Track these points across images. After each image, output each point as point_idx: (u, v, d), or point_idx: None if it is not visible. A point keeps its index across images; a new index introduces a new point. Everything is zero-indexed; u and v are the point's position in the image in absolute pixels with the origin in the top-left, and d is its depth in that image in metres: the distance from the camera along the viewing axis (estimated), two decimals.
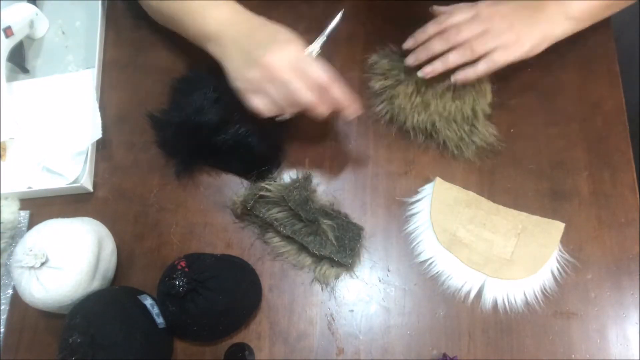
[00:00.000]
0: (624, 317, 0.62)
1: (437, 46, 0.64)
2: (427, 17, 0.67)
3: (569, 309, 0.62)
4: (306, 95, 0.58)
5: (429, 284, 0.64)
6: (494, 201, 0.66)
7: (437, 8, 0.68)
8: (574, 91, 0.72)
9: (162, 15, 0.69)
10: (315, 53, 0.64)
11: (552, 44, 0.65)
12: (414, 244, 0.66)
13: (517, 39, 0.63)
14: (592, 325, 0.62)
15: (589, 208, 0.66)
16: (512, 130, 0.70)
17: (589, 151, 0.69)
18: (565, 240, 0.65)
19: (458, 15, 0.65)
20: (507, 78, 0.72)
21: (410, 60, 0.67)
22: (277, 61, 0.58)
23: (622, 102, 0.71)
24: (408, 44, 0.68)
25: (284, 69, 0.58)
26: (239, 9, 0.63)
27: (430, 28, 0.66)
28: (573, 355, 0.61)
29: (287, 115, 0.61)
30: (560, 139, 0.70)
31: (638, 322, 0.62)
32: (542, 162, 0.69)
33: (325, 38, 0.65)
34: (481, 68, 0.63)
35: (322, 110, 0.60)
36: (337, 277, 0.64)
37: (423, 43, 0.66)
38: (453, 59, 0.64)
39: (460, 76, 0.64)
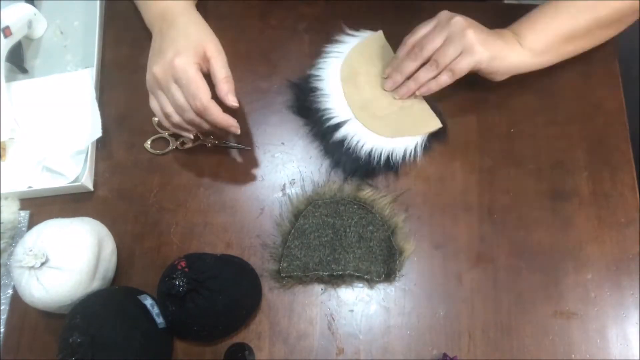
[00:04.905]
0: (624, 317, 0.62)
1: (408, 67, 0.67)
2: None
3: (569, 309, 0.62)
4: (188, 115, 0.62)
5: (426, 280, 0.64)
6: (494, 201, 0.67)
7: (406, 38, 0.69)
8: (574, 91, 0.72)
9: None
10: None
11: (511, 71, 0.66)
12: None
13: (477, 42, 0.63)
14: (592, 325, 0.62)
15: (589, 208, 0.66)
16: (512, 130, 0.70)
17: (589, 151, 0.69)
18: (565, 240, 0.65)
19: (421, 29, 0.66)
20: (507, 78, 0.72)
21: (388, 85, 0.69)
22: (161, 71, 0.61)
23: (622, 102, 0.71)
24: (387, 71, 0.70)
25: (168, 80, 0.61)
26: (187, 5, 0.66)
27: (401, 51, 0.68)
28: (573, 355, 0.61)
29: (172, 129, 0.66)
30: (560, 139, 0.70)
31: (638, 322, 0.62)
32: (542, 162, 0.69)
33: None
34: (443, 79, 0.65)
35: (191, 133, 0.65)
36: None
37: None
38: (423, 76, 0.66)
39: (423, 89, 0.67)
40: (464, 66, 0.63)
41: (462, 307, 0.63)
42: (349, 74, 0.70)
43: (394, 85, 0.69)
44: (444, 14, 0.65)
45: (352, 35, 0.73)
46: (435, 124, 0.68)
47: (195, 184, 0.70)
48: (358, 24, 0.75)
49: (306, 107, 0.71)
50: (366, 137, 0.67)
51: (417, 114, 0.69)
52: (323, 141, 0.70)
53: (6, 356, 0.63)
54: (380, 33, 0.72)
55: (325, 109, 0.68)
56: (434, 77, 0.65)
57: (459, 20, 0.63)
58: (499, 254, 0.65)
